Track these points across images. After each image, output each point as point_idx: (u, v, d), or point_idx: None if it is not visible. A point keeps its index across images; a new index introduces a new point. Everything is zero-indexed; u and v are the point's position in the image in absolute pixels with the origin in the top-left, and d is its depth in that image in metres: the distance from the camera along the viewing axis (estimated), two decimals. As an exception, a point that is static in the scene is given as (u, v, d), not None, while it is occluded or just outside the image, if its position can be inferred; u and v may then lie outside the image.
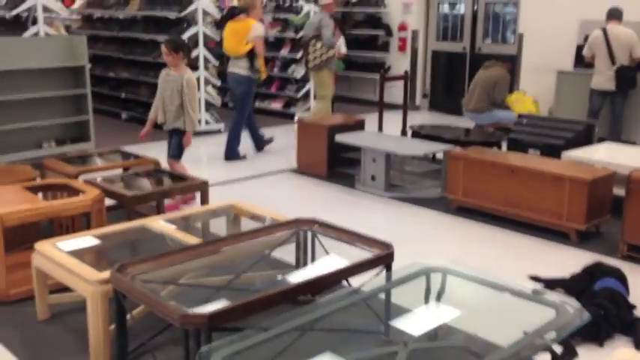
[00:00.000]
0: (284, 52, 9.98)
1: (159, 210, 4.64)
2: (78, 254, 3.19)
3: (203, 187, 4.37)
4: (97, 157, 5.27)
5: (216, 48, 8.87)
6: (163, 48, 5.17)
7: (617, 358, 2.29)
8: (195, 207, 4.76)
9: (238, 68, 6.95)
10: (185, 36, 8.18)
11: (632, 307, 3.45)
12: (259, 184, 6.17)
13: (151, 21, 9.23)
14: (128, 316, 2.88)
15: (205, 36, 8.43)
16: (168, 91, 5.17)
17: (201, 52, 8.35)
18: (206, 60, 8.47)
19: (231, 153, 7.12)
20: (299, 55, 9.57)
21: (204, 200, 4.38)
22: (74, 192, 3.96)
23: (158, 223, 3.63)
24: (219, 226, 4.06)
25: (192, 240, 3.33)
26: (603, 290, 3.42)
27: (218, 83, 8.92)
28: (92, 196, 3.77)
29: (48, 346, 3.13)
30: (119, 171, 5.00)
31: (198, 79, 8.31)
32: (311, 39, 7.61)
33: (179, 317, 2.37)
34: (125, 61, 9.56)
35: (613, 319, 3.22)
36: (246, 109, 7.12)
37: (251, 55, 6.88)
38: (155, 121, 5.32)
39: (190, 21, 8.48)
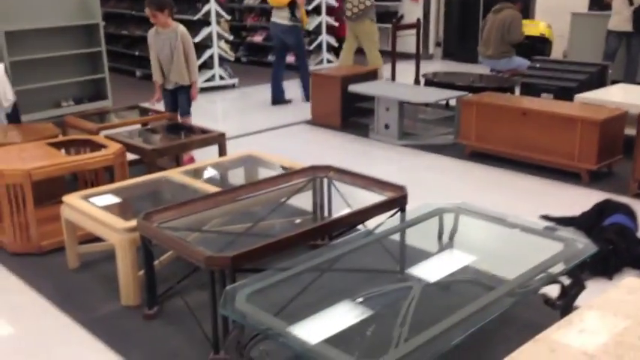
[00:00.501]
0: (295, 3, 9.89)
1: (178, 163, 4.77)
2: (105, 205, 3.34)
3: (221, 140, 4.48)
4: (115, 113, 5.38)
5: (226, 2, 8.85)
6: (147, 10, 5.09)
7: (624, 286, 2.40)
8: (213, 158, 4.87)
9: (281, 19, 7.32)
10: (196, -9, 8.17)
11: (641, 241, 3.55)
12: (275, 136, 6.27)
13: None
14: (156, 262, 3.03)
15: (216, -10, 8.40)
16: (164, 50, 5.11)
17: (212, 6, 8.33)
18: (218, 15, 8.45)
19: (277, 95, 7.56)
20: (311, 6, 9.51)
21: (222, 152, 4.49)
22: (96, 147, 4.09)
23: (178, 175, 3.76)
24: (237, 176, 4.18)
25: (213, 189, 3.45)
26: (612, 225, 3.52)
27: (230, 38, 8.92)
28: (114, 150, 3.89)
29: (80, 292, 3.31)
30: (137, 126, 5.11)
31: (210, 34, 8.36)
32: None
33: (205, 259, 2.51)
34: (137, 18, 9.56)
35: (622, 252, 3.32)
36: (304, 52, 7.68)
37: (292, 5, 7.21)
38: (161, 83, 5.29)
39: (202, -25, 8.45)
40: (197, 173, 3.84)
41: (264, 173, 4.04)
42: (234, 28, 9.94)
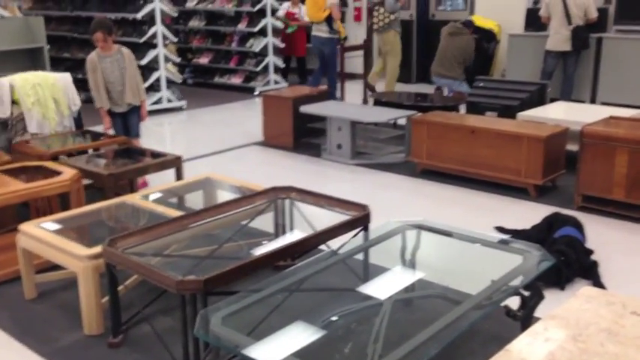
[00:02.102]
0: (241, 26, 9.97)
1: (132, 188, 4.71)
2: (63, 233, 3.28)
3: (177, 163, 4.46)
4: (66, 137, 5.26)
5: (172, 24, 8.82)
6: (99, 35, 4.99)
7: (582, 295, 2.53)
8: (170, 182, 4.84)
9: (320, 32, 8.28)
10: (141, 14, 8.12)
11: (590, 252, 3.74)
12: (227, 158, 6.27)
13: (106, -2, 9.11)
14: (120, 287, 2.99)
15: (162, 12, 8.36)
16: (114, 72, 5.08)
17: (159, 29, 8.30)
18: (164, 37, 8.42)
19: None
20: (256, 28, 9.61)
21: (179, 175, 4.47)
22: (49, 173, 4.00)
23: (138, 199, 3.73)
24: (197, 199, 4.17)
25: (173, 213, 3.44)
26: (562, 238, 3.69)
27: (177, 60, 8.89)
28: (70, 176, 3.82)
29: (40, 323, 3.22)
30: (90, 151, 5.02)
31: (157, 57, 8.31)
32: (375, 5, 8.58)
33: (176, 283, 2.50)
34: (80, 41, 9.41)
35: (573, 263, 3.49)
36: (336, 64, 8.41)
37: (329, 19, 8.12)
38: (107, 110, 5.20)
39: (146, -3, 8.41)
40: (157, 198, 3.81)
41: (223, 196, 4.05)
42: (180, 50, 9.91)
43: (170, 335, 2.93)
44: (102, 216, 3.64)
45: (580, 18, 7.47)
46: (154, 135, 7.07)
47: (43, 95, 4.99)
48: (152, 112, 7.98)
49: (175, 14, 8.80)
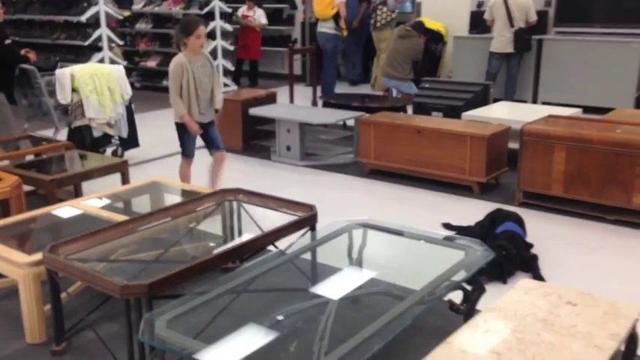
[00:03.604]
0: (189, 28, 9.86)
1: (77, 193, 4.62)
2: (3, 240, 3.19)
3: (123, 168, 4.40)
4: (7, 143, 5.13)
5: (117, 27, 8.69)
6: (202, 29, 4.44)
7: (521, 287, 2.62)
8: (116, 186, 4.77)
9: (326, 28, 8.83)
10: (85, 16, 7.97)
11: (530, 245, 3.86)
12: (174, 163, 6.16)
13: (48, 1, 8.89)
14: (63, 294, 2.93)
15: (107, 15, 8.22)
16: (204, 79, 4.48)
17: (103, 32, 8.15)
18: (110, 40, 8.28)
19: (327, 90, 8.92)
20: (205, 31, 9.53)
21: (125, 180, 4.41)
22: (-12, 180, 3.89)
23: (82, 205, 3.66)
24: (143, 203, 4.12)
25: (119, 218, 3.39)
26: (504, 233, 3.80)
27: (124, 63, 8.74)
28: (10, 182, 3.73)
29: (-20, 334, 3.13)
30: (31, 157, 4.91)
31: (102, 60, 8.16)
32: (378, 4, 9.22)
33: (120, 288, 2.47)
34: (21, 45, 9.14)
35: (514, 257, 3.59)
36: (336, 59, 9.20)
37: (336, 17, 8.71)
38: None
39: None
40: (102, 202, 3.75)
41: (170, 199, 4.02)
42: (126, 53, 9.76)
43: (115, 341, 2.89)
44: (44, 222, 3.56)
45: (522, 21, 7.71)
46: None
47: (100, 84, 5.60)
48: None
49: (121, 17, 8.67)
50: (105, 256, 3.15)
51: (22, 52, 5.91)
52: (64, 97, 5.53)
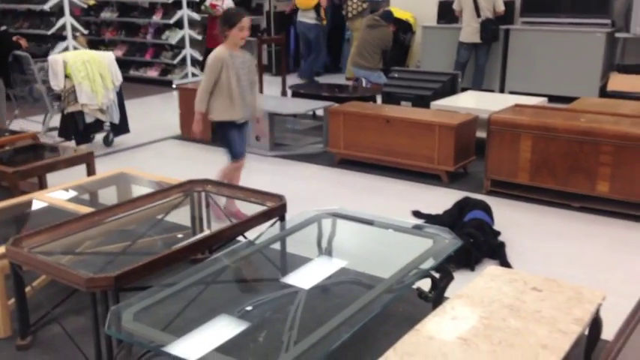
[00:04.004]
0: (156, 17, 9.74)
1: (41, 185, 4.53)
2: (-35, 234, 3.12)
3: (89, 159, 4.33)
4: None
5: (81, 16, 8.52)
6: (246, 21, 4.10)
7: (487, 274, 2.65)
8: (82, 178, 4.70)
9: (307, 18, 9.06)
10: (49, 4, 7.80)
11: (497, 233, 3.91)
12: (143, 153, 6.13)
13: (9, -11, 8.68)
14: (28, 288, 2.88)
15: (71, 3, 8.06)
16: (244, 77, 4.17)
17: (67, 20, 7.99)
18: (74, 29, 8.11)
19: (306, 72, 9.28)
20: (172, 20, 9.43)
21: (91, 171, 4.34)
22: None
23: (46, 197, 3.59)
24: (110, 195, 4.06)
25: (84, 210, 3.33)
26: (472, 221, 3.84)
27: (89, 53, 8.59)
28: (-29, 174, 3.64)
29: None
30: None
31: (67, 50, 8.00)
32: None
33: (85, 281, 2.44)
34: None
35: (481, 245, 3.64)
36: (321, 47, 9.39)
37: (317, 6, 8.91)
38: None
39: (53, -12, 8.08)
40: (67, 194, 3.69)
41: (137, 191, 3.96)
42: (92, 42, 9.59)
43: (82, 335, 2.85)
44: (7, 215, 3.48)
45: (489, 11, 7.77)
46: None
47: (92, 71, 5.75)
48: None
49: (85, 5, 8.50)
50: (70, 248, 3.10)
51: (14, 38, 5.90)
52: (57, 83, 5.63)
